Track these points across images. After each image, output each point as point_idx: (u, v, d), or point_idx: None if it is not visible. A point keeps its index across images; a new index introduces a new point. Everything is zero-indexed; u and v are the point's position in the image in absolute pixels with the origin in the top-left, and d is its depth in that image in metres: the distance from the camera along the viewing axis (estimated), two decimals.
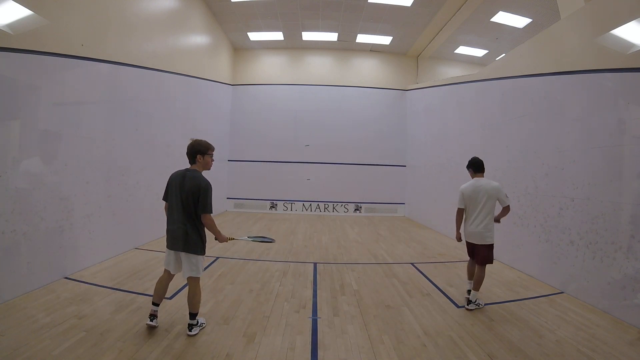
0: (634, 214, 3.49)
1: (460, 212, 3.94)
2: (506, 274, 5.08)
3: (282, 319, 3.36)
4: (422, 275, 4.97)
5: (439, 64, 12.62)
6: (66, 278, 4.14)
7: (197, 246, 2.96)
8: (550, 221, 4.72)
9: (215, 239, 3.09)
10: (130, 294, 3.82)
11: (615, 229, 3.70)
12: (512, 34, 10.06)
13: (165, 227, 3.04)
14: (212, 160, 3.13)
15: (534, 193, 5.10)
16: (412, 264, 5.62)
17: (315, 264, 5.45)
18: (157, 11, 6.65)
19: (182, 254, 2.98)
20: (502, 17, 9.33)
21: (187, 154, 3.04)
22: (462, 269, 5.28)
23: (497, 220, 3.87)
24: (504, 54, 10.08)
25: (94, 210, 4.77)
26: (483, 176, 3.92)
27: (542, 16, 8.84)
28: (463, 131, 7.83)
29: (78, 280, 4.10)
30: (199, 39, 9.07)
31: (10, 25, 3.43)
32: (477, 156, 3.99)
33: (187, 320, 3.00)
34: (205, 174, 3.08)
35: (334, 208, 12.01)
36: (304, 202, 12.01)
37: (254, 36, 11.32)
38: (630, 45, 3.67)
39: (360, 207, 12.02)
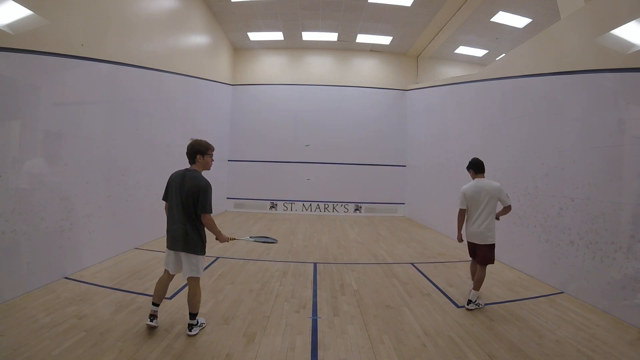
0: (634, 214, 3.49)
1: (462, 213, 3.94)
2: (506, 274, 5.08)
3: (282, 319, 3.36)
4: (422, 275, 4.97)
5: (439, 64, 12.62)
6: (66, 278, 4.14)
7: (197, 246, 2.96)
8: (550, 221, 4.72)
9: (216, 239, 3.09)
10: (130, 294, 3.82)
11: (615, 229, 3.70)
12: (512, 34, 10.06)
13: (166, 227, 3.04)
14: (212, 160, 3.13)
15: (534, 193, 5.10)
16: (412, 264, 5.62)
17: (315, 264, 5.45)
18: (157, 11, 6.66)
19: (182, 254, 2.98)
20: (502, 17, 9.33)
21: (187, 154, 3.04)
22: (462, 269, 5.29)
23: (496, 217, 3.88)
24: (504, 54, 10.08)
25: (94, 210, 4.77)
26: (484, 177, 3.93)
27: (542, 16, 8.84)
28: (463, 131, 7.83)
29: (78, 280, 4.10)
30: (199, 39, 9.07)
31: (10, 25, 3.43)
32: (477, 157, 3.99)
33: (187, 320, 3.00)
34: (205, 174, 3.08)
35: (334, 208, 12.01)
36: (304, 202, 12.01)
37: (254, 36, 11.32)
38: (630, 45, 3.67)
39: (360, 207, 12.03)
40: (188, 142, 3.07)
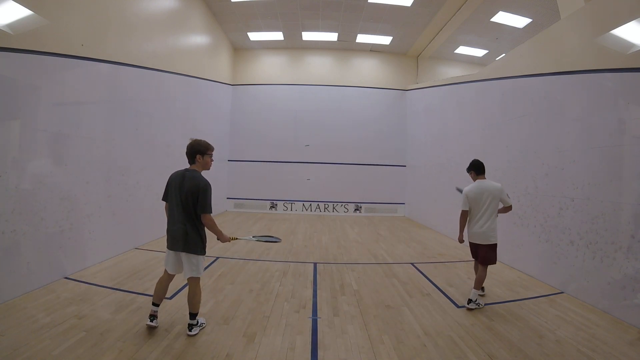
0: (634, 214, 3.49)
1: (464, 214, 3.94)
2: (506, 274, 5.08)
3: (282, 319, 3.36)
4: (422, 275, 4.97)
5: (439, 64, 12.62)
6: (66, 278, 4.14)
7: (197, 246, 2.96)
8: (550, 221, 4.72)
9: (218, 239, 3.09)
10: (130, 294, 3.82)
11: (615, 229, 3.70)
12: (512, 34, 10.06)
13: (166, 227, 3.04)
14: (212, 160, 3.13)
15: (534, 193, 5.10)
16: (412, 264, 5.62)
17: (315, 264, 5.45)
18: (157, 11, 6.66)
19: (183, 254, 2.98)
20: (502, 17, 9.33)
21: (187, 154, 3.04)
22: (462, 269, 5.30)
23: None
24: (504, 54, 10.08)
25: (94, 210, 4.77)
26: (485, 178, 3.93)
27: (542, 16, 8.84)
28: (463, 131, 7.83)
29: (78, 280, 4.10)
30: (199, 39, 9.07)
31: (10, 25, 3.43)
32: (477, 158, 4.00)
33: (187, 320, 3.00)
34: (205, 174, 3.08)
35: (334, 208, 12.01)
36: (304, 202, 12.01)
37: (254, 36, 11.32)
38: (630, 45, 3.67)
39: (360, 207, 12.03)
40: (188, 142, 3.07)
